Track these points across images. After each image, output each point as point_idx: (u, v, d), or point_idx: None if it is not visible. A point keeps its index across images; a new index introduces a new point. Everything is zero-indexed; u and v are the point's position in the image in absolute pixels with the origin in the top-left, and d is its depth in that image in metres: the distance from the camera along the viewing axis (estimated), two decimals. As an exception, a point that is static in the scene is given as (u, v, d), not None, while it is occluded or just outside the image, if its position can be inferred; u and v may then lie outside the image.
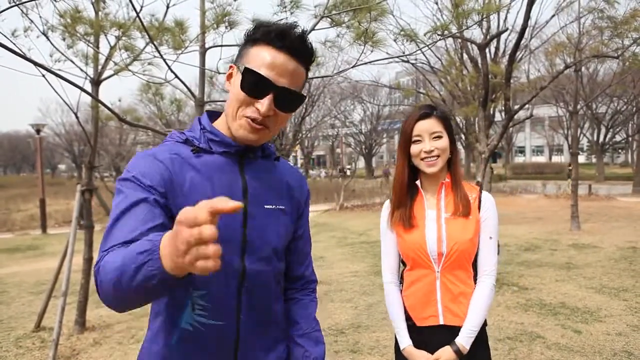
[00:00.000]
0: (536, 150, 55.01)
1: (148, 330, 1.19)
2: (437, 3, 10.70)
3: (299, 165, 43.01)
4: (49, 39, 3.86)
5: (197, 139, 1.16)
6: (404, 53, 6.19)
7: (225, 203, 0.64)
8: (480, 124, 6.26)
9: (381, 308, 4.94)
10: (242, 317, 1.15)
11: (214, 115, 1.25)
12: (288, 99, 1.11)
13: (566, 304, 5.01)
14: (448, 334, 1.66)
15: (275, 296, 1.25)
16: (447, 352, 1.63)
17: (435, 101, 10.81)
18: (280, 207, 1.23)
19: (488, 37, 7.83)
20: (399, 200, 1.75)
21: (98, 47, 4.27)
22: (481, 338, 1.69)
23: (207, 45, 3.86)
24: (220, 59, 3.85)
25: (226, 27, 3.72)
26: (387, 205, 1.81)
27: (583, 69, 14.32)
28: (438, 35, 4.75)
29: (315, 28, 3.56)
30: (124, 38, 4.10)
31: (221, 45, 3.82)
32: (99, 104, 4.16)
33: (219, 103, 6.72)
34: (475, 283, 1.71)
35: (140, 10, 3.26)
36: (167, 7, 3.63)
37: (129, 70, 4.04)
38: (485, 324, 1.72)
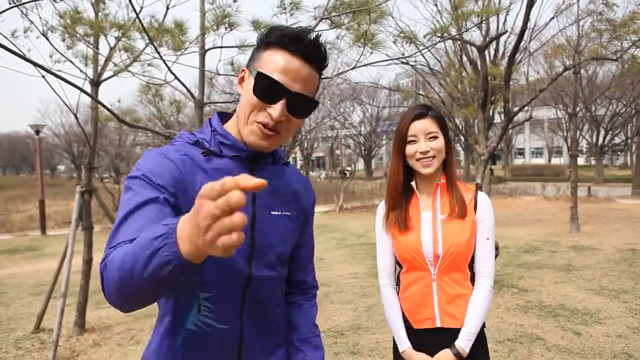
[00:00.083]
0: (535, 152, 55.04)
1: (153, 332, 1.19)
2: (436, 5, 10.76)
3: (298, 166, 43.02)
4: (48, 40, 3.86)
5: (208, 141, 1.14)
6: (403, 55, 6.21)
7: (248, 180, 0.61)
8: (479, 125, 6.27)
9: (381, 310, 4.94)
10: (245, 321, 1.15)
11: (225, 116, 1.22)
12: (301, 105, 1.08)
13: (566, 305, 5.00)
14: (445, 336, 1.65)
15: (278, 301, 1.25)
16: (447, 355, 1.62)
17: (435, 103, 10.81)
18: (287, 213, 1.22)
19: (487, 39, 7.84)
20: (394, 201, 1.72)
21: (98, 48, 4.28)
22: (480, 340, 1.67)
23: (206, 47, 3.86)
24: (220, 60, 3.86)
25: (226, 29, 3.72)
26: (382, 207, 1.79)
27: (582, 71, 14.33)
28: (437, 37, 4.76)
29: (315, 30, 3.56)
30: (123, 39, 4.10)
31: (221, 47, 3.82)
32: (99, 105, 4.16)
33: (218, 104, 6.72)
34: (472, 284, 1.69)
35: (140, 11, 3.27)
36: (167, 8, 3.63)
37: (129, 71, 4.04)
38: (483, 325, 1.70)
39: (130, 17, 4.05)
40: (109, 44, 4.17)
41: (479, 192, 1.74)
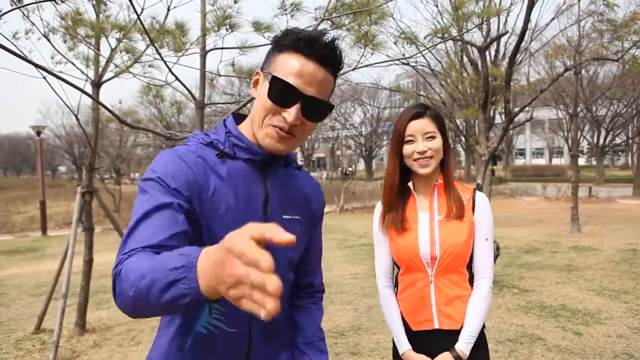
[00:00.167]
0: (536, 152, 55.02)
1: (160, 334, 1.18)
2: (437, 6, 10.77)
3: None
4: (50, 41, 3.87)
5: (222, 142, 1.14)
6: (404, 56, 6.19)
7: (279, 235, 0.59)
8: (480, 126, 6.27)
9: (381, 310, 4.94)
10: (254, 324, 1.15)
11: (239, 117, 1.22)
12: (316, 108, 1.08)
13: (567, 306, 5.00)
14: (444, 338, 1.63)
15: (284, 304, 1.25)
16: (447, 358, 1.60)
17: (436, 104, 10.81)
18: (296, 217, 1.22)
19: (488, 39, 7.85)
20: (390, 202, 1.70)
21: (99, 50, 4.29)
22: (480, 341, 1.66)
23: (207, 48, 3.86)
24: (220, 61, 3.86)
25: (227, 30, 3.72)
26: (379, 208, 1.76)
27: (583, 71, 14.33)
28: (438, 38, 4.76)
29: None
30: (124, 40, 4.11)
31: (222, 48, 3.82)
32: (100, 106, 4.17)
33: (219, 105, 6.73)
34: (471, 285, 1.67)
35: (141, 12, 3.27)
36: (168, 9, 3.63)
37: (130, 73, 4.05)
38: (483, 326, 1.68)
39: (131, 19, 4.06)
40: (110, 45, 4.18)
41: (477, 192, 1.71)
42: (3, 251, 10.74)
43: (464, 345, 1.60)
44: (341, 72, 1.18)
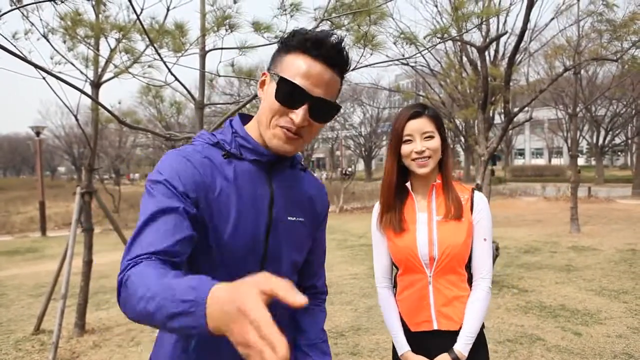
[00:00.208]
0: (536, 152, 55.06)
1: (163, 335, 1.18)
2: (436, 6, 10.76)
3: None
4: (49, 42, 3.87)
5: (228, 143, 1.14)
6: (403, 56, 6.20)
7: (291, 297, 0.61)
8: (479, 126, 6.27)
9: (381, 311, 4.94)
10: None
11: (246, 118, 1.22)
12: (323, 109, 1.08)
13: (566, 306, 5.00)
14: (443, 338, 1.63)
15: (286, 307, 1.25)
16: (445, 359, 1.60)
17: (435, 104, 10.81)
18: (300, 219, 1.22)
19: (487, 40, 7.85)
20: (388, 202, 1.69)
21: (98, 50, 4.28)
22: (479, 341, 1.65)
23: (207, 48, 3.86)
24: (220, 61, 3.86)
25: (226, 30, 3.72)
26: (377, 208, 1.76)
27: (582, 71, 14.33)
28: (438, 38, 4.76)
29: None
30: (124, 41, 4.11)
31: (221, 48, 3.82)
32: (99, 107, 4.17)
33: (218, 106, 6.73)
34: (470, 286, 1.66)
35: (141, 13, 3.27)
36: (168, 9, 3.63)
37: (129, 73, 4.05)
38: (483, 326, 1.68)
39: (130, 19, 4.06)
40: (109, 45, 4.18)
41: (476, 192, 1.71)
42: (2, 252, 10.72)
43: (462, 346, 1.60)
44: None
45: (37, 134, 15.32)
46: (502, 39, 11.54)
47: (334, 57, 1.07)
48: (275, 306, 1.15)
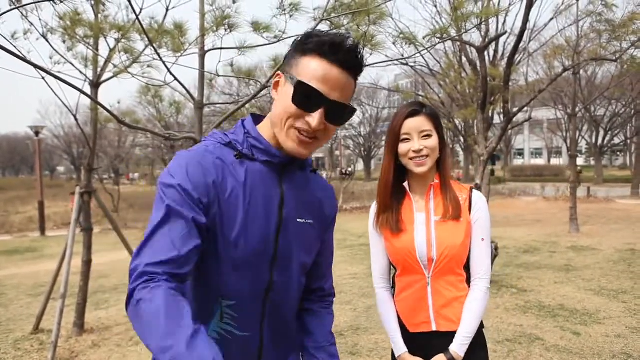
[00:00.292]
0: (535, 152, 55.09)
1: None
2: (436, 6, 10.77)
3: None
4: (48, 42, 3.87)
5: (240, 143, 1.13)
6: (403, 56, 6.20)
7: None
8: (479, 126, 6.27)
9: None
10: (265, 328, 1.16)
11: (258, 118, 1.22)
12: (339, 113, 1.08)
13: (565, 306, 5.01)
14: (442, 339, 1.62)
15: (294, 308, 1.27)
16: None
17: (434, 104, 10.81)
18: (310, 221, 1.22)
19: (487, 40, 7.85)
20: (384, 202, 1.67)
21: (97, 50, 4.28)
22: (478, 340, 1.64)
23: (206, 48, 3.86)
24: (219, 61, 3.86)
25: (225, 30, 3.72)
26: (374, 207, 1.74)
27: (581, 71, 14.33)
28: (437, 38, 4.77)
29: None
30: (123, 40, 4.11)
31: (221, 48, 3.83)
32: (98, 106, 4.17)
33: (218, 105, 6.73)
34: (468, 286, 1.64)
35: (140, 12, 3.27)
36: (167, 9, 3.63)
37: (128, 73, 4.05)
38: (482, 326, 1.67)
39: (130, 19, 4.06)
40: (108, 45, 4.18)
41: (474, 192, 1.68)
42: (2, 251, 10.72)
43: (458, 347, 1.58)
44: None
45: (37, 133, 15.32)
46: (502, 39, 11.55)
47: (351, 61, 1.07)
48: (280, 304, 1.16)
